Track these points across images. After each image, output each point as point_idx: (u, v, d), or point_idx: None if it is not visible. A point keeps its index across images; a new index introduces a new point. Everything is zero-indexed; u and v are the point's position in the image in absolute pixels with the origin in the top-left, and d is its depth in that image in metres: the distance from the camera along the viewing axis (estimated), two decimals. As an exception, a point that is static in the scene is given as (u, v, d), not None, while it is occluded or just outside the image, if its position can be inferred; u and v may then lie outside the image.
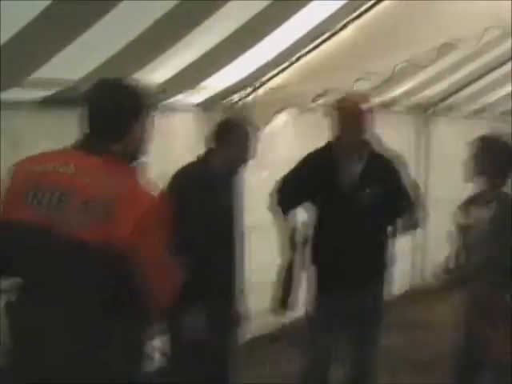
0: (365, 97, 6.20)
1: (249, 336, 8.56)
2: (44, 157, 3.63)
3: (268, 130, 8.24)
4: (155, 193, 3.55)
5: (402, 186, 5.84)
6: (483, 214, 5.17)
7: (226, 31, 6.57)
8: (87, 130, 3.57)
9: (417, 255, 10.98)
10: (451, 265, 5.38)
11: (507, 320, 5.05)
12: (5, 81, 5.83)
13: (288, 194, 5.96)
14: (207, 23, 6.18)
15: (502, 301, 5.04)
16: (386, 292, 5.90)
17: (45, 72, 5.86)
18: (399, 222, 5.82)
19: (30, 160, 3.64)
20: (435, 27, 7.02)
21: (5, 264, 3.56)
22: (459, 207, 5.41)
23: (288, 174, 6.05)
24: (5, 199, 3.55)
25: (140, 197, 3.43)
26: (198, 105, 7.84)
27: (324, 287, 5.85)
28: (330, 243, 5.74)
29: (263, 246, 8.41)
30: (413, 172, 10.53)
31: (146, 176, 4.47)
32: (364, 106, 5.76)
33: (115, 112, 3.57)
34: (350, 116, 5.67)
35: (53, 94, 6.29)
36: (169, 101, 7.32)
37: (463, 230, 5.23)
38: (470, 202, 5.35)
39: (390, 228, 5.86)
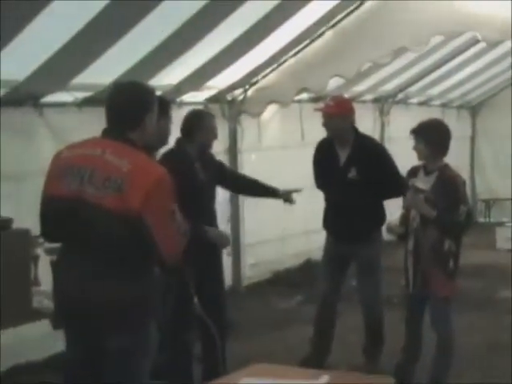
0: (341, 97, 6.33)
1: (251, 281, 8.71)
2: (77, 145, 3.71)
3: (259, 119, 8.39)
4: (163, 169, 3.58)
5: (389, 165, 5.83)
6: (426, 181, 5.18)
7: (224, 42, 6.60)
8: (109, 122, 3.61)
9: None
10: (399, 221, 5.43)
11: (445, 263, 5.12)
12: (51, 86, 5.88)
13: (317, 176, 6.10)
14: (210, 36, 6.23)
15: (441, 247, 5.08)
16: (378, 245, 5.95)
17: (83, 78, 5.87)
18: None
19: (67, 148, 3.71)
20: (391, 34, 7.05)
21: (49, 230, 3.68)
22: (407, 176, 5.41)
23: (312, 162, 6.13)
24: (46, 179, 3.65)
25: (148, 173, 3.46)
26: (206, 100, 7.86)
27: (329, 239, 6.02)
28: (333, 210, 5.93)
29: (257, 213, 8.50)
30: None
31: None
32: (340, 106, 5.80)
33: (128, 105, 3.59)
34: (328, 118, 5.76)
35: (89, 96, 6.29)
36: (182, 97, 7.33)
37: (409, 194, 5.23)
38: (416, 172, 5.33)
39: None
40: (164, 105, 4.56)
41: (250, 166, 8.40)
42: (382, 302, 6.04)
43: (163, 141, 4.70)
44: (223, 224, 7.42)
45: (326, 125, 5.80)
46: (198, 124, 5.32)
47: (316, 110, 6.01)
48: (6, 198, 5.39)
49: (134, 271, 3.49)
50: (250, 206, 8.43)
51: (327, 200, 6.02)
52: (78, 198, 3.45)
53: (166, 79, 6.81)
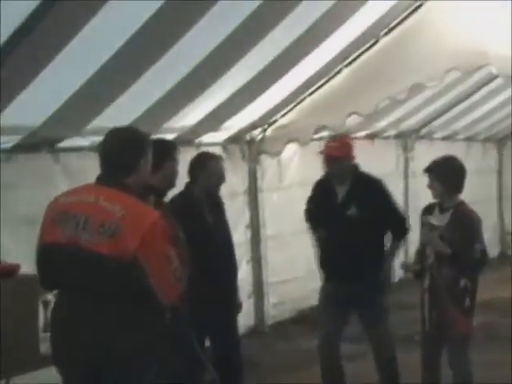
0: (343, 138, 6.15)
1: (275, 320, 8.60)
2: (72, 191, 3.72)
3: (279, 158, 8.35)
4: (157, 213, 3.58)
5: (388, 202, 5.72)
6: (441, 219, 5.14)
7: (241, 82, 6.58)
8: (103, 168, 3.65)
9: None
10: (415, 259, 5.38)
11: (461, 301, 5.04)
12: (67, 131, 5.89)
13: (310, 215, 6.04)
14: (226, 76, 6.22)
15: (457, 285, 5.02)
16: (382, 283, 5.73)
17: (99, 122, 5.85)
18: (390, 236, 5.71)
19: (61, 195, 3.72)
20: (407, 70, 6.98)
21: (45, 278, 3.71)
22: (422, 213, 5.37)
23: (308, 198, 6.11)
24: (42, 226, 3.69)
25: (143, 217, 3.46)
26: (224, 140, 7.84)
27: (327, 279, 5.85)
28: (331, 249, 5.76)
29: (280, 251, 8.44)
30: (400, 185, 10.58)
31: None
32: (344, 147, 5.73)
33: (122, 151, 3.62)
34: (332, 160, 5.70)
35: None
36: (200, 139, 7.32)
37: (425, 231, 5.20)
38: (431, 209, 5.30)
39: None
40: (169, 148, 4.61)
41: (272, 205, 8.38)
42: (395, 340, 5.83)
43: (170, 184, 4.67)
44: (243, 265, 7.51)
45: (328, 166, 5.74)
46: (201, 167, 5.37)
47: (320, 152, 5.91)
48: (21, 243, 5.38)
49: (132, 317, 3.47)
50: (274, 245, 8.43)
51: (322, 239, 5.87)
52: (74, 244, 3.46)
53: (182, 121, 6.81)
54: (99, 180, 3.64)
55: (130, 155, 3.61)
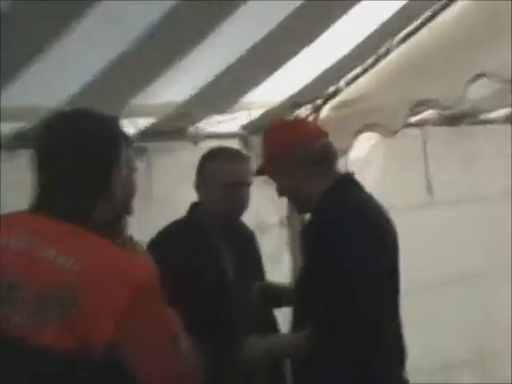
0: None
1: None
2: None
3: (346, 158, 7.24)
4: (146, 263, 3.21)
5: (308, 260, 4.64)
6: None
7: (262, 30, 5.75)
8: (50, 186, 3.13)
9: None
10: None
11: None
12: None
13: None
14: (236, 17, 5.36)
15: None
16: None
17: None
18: None
19: None
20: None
21: None
22: None
23: None
24: None
25: (121, 276, 2.97)
26: (243, 128, 7.09)
27: None
28: None
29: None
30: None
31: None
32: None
33: (84, 160, 3.11)
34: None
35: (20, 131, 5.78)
36: (198, 126, 6.60)
37: None
38: None
39: None
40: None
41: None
42: None
43: (124, 206, 3.90)
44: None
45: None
46: (205, 175, 5.02)
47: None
48: None
49: None
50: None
51: None
52: None
53: (163, 95, 6.05)
54: (39, 207, 3.14)
55: (97, 167, 3.14)
